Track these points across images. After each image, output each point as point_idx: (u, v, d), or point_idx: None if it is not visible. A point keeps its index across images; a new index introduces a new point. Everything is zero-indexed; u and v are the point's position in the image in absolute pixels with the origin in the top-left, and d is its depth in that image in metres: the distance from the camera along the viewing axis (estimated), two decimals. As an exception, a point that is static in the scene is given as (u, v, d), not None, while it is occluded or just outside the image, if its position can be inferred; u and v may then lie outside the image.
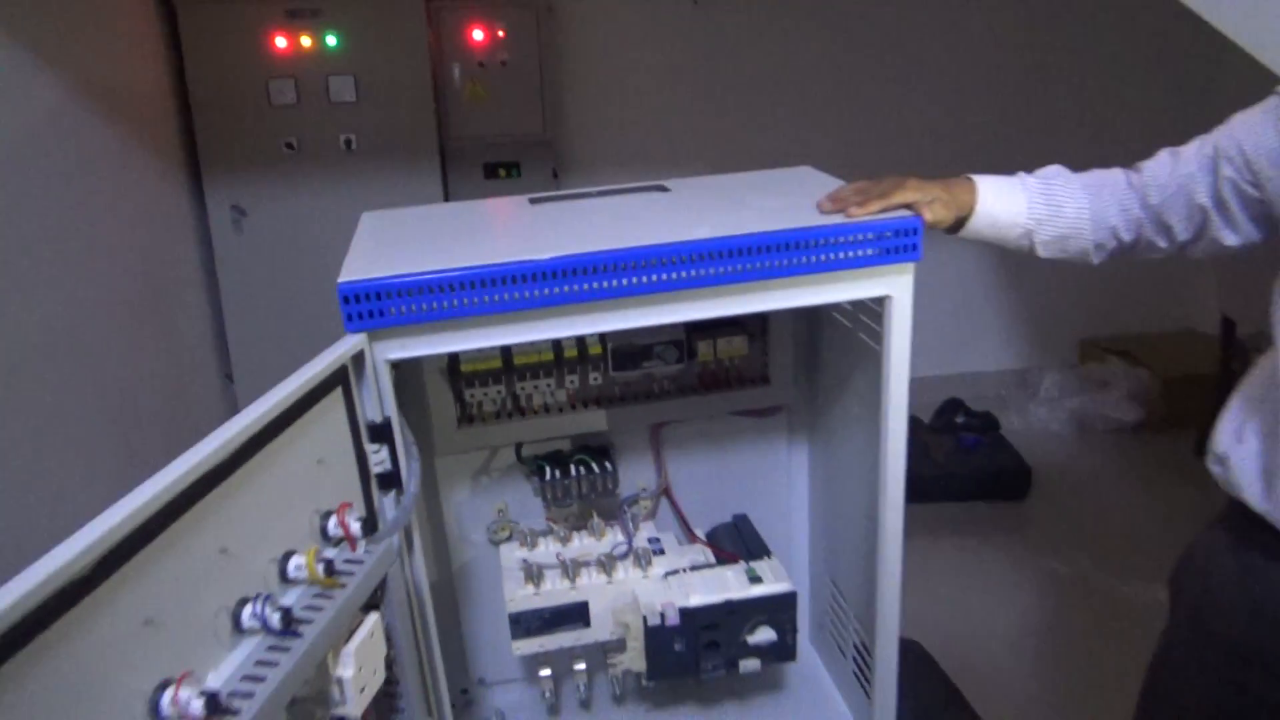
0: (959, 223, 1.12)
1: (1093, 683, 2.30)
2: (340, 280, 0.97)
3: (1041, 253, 1.14)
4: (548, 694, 1.44)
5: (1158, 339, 3.94)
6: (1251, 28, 1.39)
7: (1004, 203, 1.11)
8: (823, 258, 1.03)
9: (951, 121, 3.71)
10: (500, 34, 3.41)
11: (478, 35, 3.40)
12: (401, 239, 1.20)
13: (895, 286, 1.05)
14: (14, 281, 2.05)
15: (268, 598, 0.79)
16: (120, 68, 2.82)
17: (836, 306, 1.25)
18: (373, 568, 0.90)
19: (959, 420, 3.56)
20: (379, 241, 1.17)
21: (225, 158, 3.26)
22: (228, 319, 3.40)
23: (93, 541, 0.62)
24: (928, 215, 1.06)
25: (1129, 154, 1.19)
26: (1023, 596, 2.73)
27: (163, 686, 0.69)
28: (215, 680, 0.73)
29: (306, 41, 3.21)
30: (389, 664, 0.94)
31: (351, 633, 0.87)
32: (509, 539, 1.42)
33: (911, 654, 1.65)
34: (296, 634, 0.79)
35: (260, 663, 0.77)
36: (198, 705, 0.68)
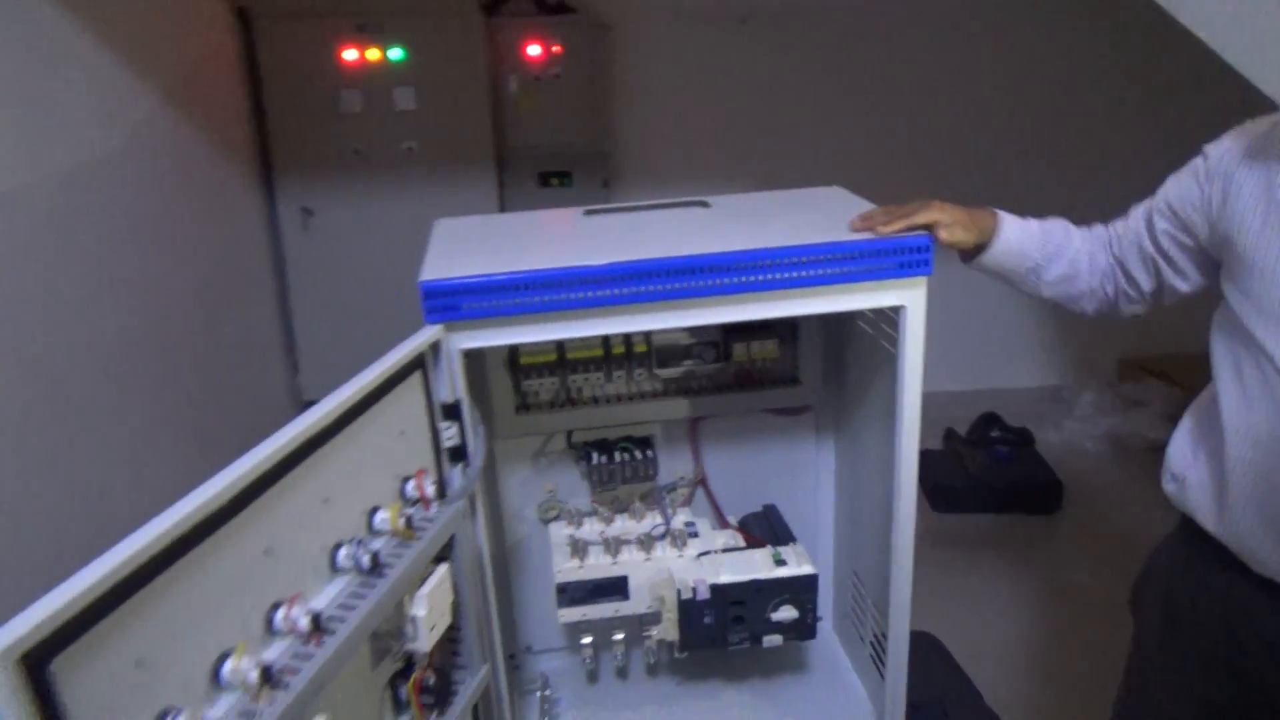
0: (978, 249, 1.23)
1: (1108, 694, 2.38)
2: (421, 279, 1.12)
3: (1046, 292, 1.24)
4: (588, 661, 1.58)
5: (1195, 360, 3.96)
6: (1252, 58, 1.49)
7: (1020, 235, 1.21)
8: (844, 270, 1.16)
9: (983, 149, 3.80)
10: (555, 49, 3.58)
11: (534, 50, 3.57)
12: (472, 244, 1.34)
13: (909, 297, 1.17)
14: (106, 275, 2.24)
15: (359, 542, 0.93)
16: (202, 79, 3.03)
17: (859, 314, 1.37)
18: (443, 525, 1.05)
19: (994, 434, 3.62)
20: (453, 245, 1.32)
21: (295, 162, 3.46)
22: (294, 313, 3.60)
23: (231, 481, 0.76)
24: (944, 235, 1.17)
25: (1148, 179, 1.29)
26: (1046, 606, 2.80)
27: (276, 605, 0.83)
28: (317, 605, 0.88)
29: (373, 54, 3.40)
30: (454, 611, 1.08)
31: (424, 579, 1.02)
32: (557, 518, 1.55)
33: (926, 645, 1.76)
34: (381, 574, 0.94)
35: (352, 595, 0.91)
36: (304, 621, 0.83)
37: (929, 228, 1.17)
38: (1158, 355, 4.05)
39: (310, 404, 0.89)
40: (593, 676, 1.64)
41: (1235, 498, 1.04)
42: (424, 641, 1.01)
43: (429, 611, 1.00)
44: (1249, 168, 1.04)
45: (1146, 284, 1.20)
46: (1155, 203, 1.17)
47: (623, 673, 1.64)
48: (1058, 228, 1.24)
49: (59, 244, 2.07)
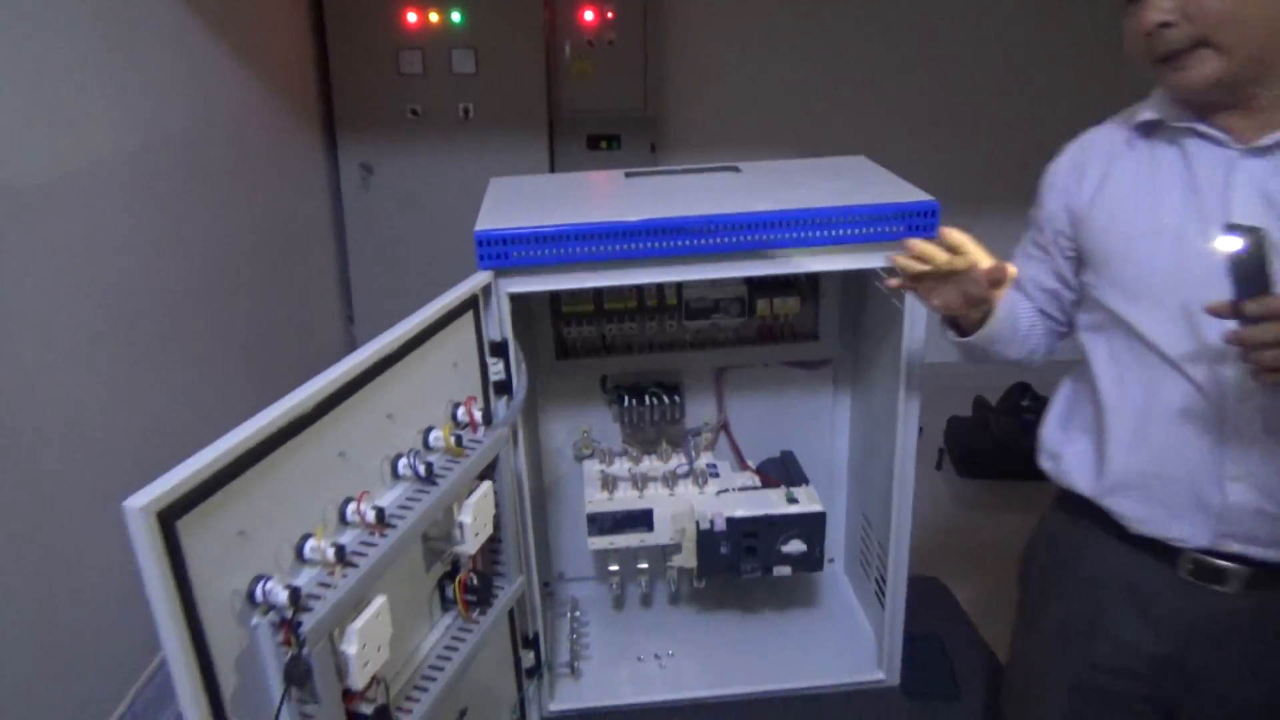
0: (983, 318, 1.18)
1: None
2: (476, 229, 1.25)
3: (1015, 353, 1.24)
4: (615, 587, 1.73)
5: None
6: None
7: (1008, 305, 1.20)
8: (857, 231, 1.27)
9: (1022, 124, 3.82)
10: (609, 15, 3.67)
11: (589, 16, 3.67)
12: (522, 200, 1.48)
13: (916, 258, 1.28)
14: (183, 222, 2.41)
15: (416, 454, 1.08)
16: (274, 40, 3.19)
17: (874, 274, 1.48)
18: (488, 447, 1.19)
19: (1024, 403, 3.69)
20: (505, 201, 1.45)
21: (357, 121, 3.62)
22: (352, 265, 3.78)
23: (315, 390, 0.92)
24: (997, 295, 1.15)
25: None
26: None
27: (347, 500, 0.99)
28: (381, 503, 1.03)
29: (434, 18, 3.52)
30: (496, 524, 1.23)
31: (470, 492, 1.17)
32: (590, 456, 1.70)
33: (933, 588, 1.88)
34: (434, 483, 1.09)
35: (410, 498, 1.06)
36: (371, 515, 0.98)
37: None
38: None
39: (363, 352, 1.03)
40: (619, 603, 1.79)
41: (1114, 466, 1.11)
42: (470, 545, 1.16)
43: (474, 519, 1.15)
44: (1106, 159, 1.13)
45: (1064, 316, 1.25)
46: (1025, 249, 1.25)
47: (646, 600, 1.79)
48: (1014, 302, 1.25)
49: (149, 192, 2.24)
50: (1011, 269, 1.11)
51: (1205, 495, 1.05)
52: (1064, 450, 1.21)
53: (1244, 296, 0.90)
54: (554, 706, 1.55)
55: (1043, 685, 1.26)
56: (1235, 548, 1.05)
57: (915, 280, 1.15)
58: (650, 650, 1.67)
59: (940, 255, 1.09)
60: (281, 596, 0.86)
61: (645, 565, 1.69)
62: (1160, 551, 1.11)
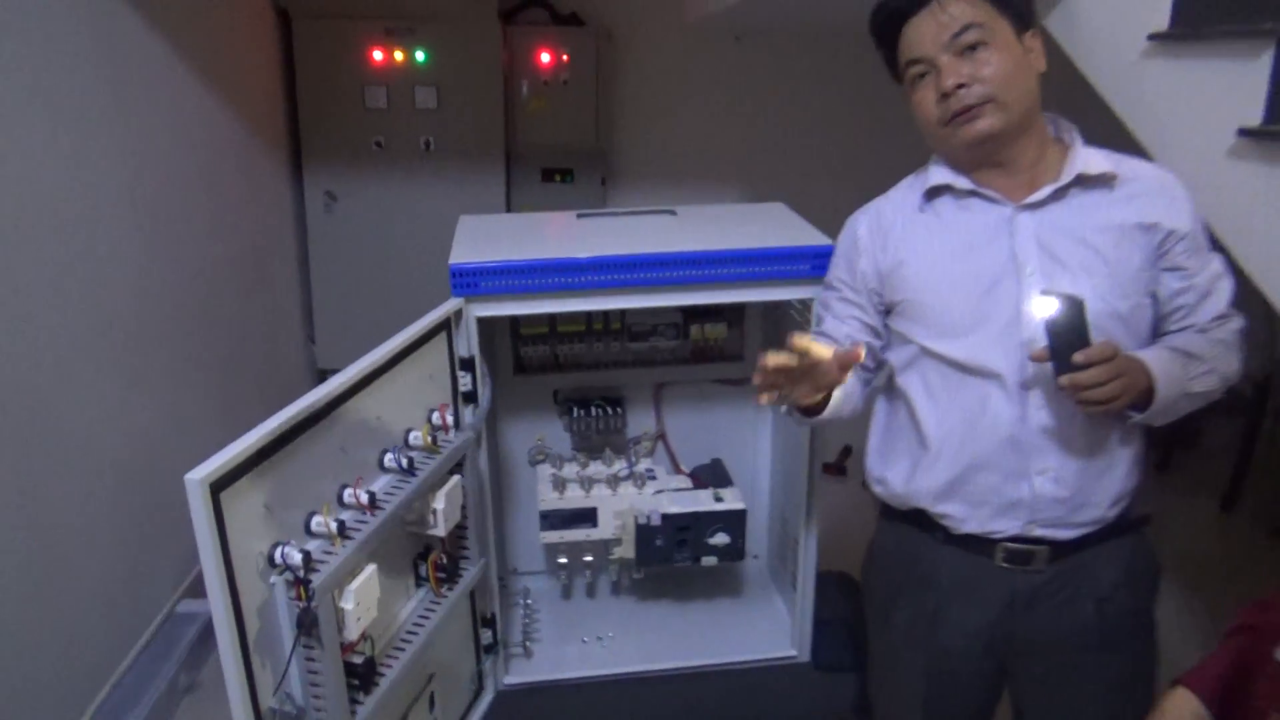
0: (825, 400, 1.33)
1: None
2: (450, 262, 1.48)
3: (847, 415, 1.39)
4: (563, 577, 1.95)
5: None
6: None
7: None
8: (772, 269, 1.52)
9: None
10: (564, 58, 3.93)
11: (545, 58, 3.92)
12: (488, 236, 1.71)
13: (817, 292, 1.53)
14: (153, 249, 2.58)
15: (399, 449, 1.30)
16: (246, 73, 3.38)
17: (789, 304, 1.73)
18: (458, 446, 1.41)
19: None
20: (473, 237, 1.68)
21: (323, 151, 3.81)
22: (314, 288, 3.96)
23: (325, 393, 1.13)
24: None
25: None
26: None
27: (344, 486, 1.20)
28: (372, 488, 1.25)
29: (399, 56, 3.75)
30: (463, 510, 1.45)
31: (443, 483, 1.39)
32: (544, 461, 1.92)
33: (845, 582, 2.13)
34: (414, 474, 1.31)
35: (395, 486, 1.28)
36: (365, 497, 1.20)
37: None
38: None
39: (324, 372, 1.25)
40: (566, 593, 2.01)
41: (939, 478, 1.32)
42: (442, 528, 1.38)
43: (446, 506, 1.37)
44: (900, 224, 1.34)
45: (875, 364, 1.44)
46: (837, 307, 1.41)
47: (591, 591, 2.02)
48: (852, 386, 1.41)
49: (135, 217, 2.43)
50: (860, 351, 1.27)
51: (1016, 491, 1.28)
52: (887, 474, 1.41)
53: (1063, 349, 1.15)
54: (508, 680, 1.76)
55: (901, 676, 1.47)
56: (1039, 532, 1.29)
57: (777, 388, 1.24)
58: (594, 633, 1.89)
59: (793, 361, 1.19)
60: (297, 559, 1.07)
61: (590, 558, 1.91)
62: (980, 546, 1.33)
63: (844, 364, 1.23)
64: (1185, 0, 1.80)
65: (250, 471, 1.02)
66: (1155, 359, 1.21)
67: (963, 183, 1.29)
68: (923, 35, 1.25)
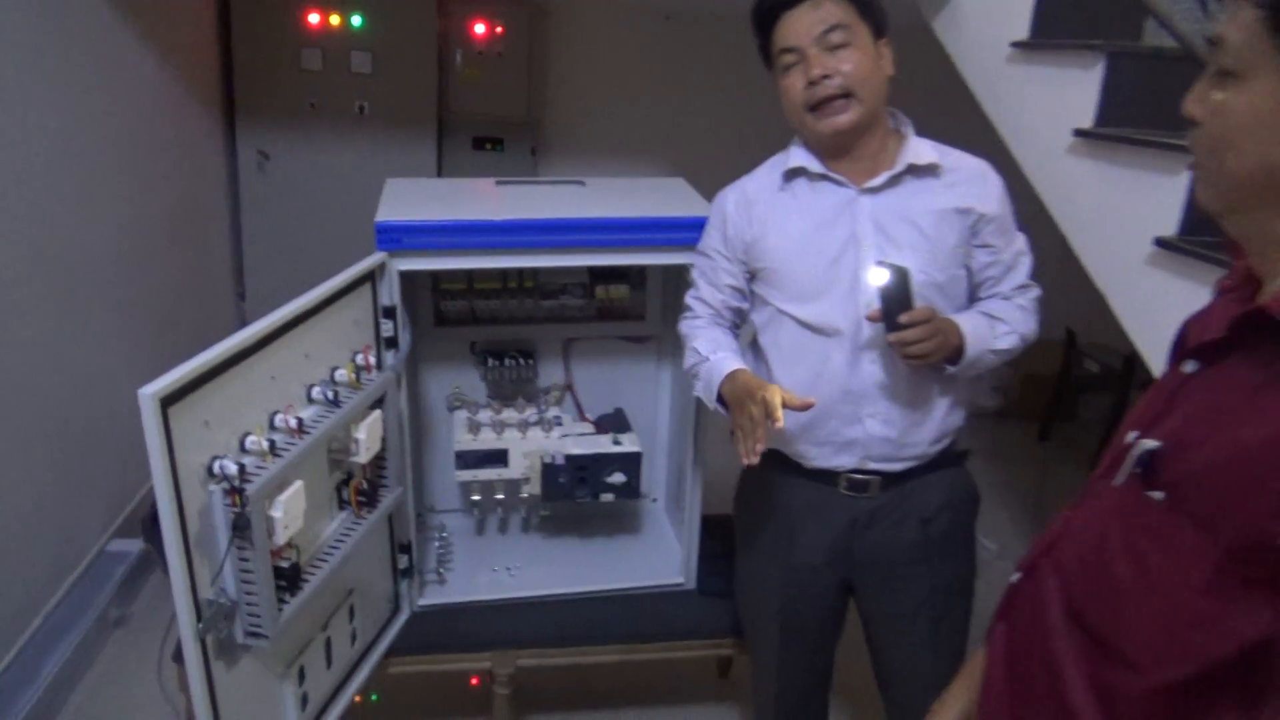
0: None
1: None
2: (376, 219, 1.64)
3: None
4: (476, 514, 2.13)
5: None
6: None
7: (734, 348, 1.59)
8: (666, 235, 1.72)
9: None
10: (499, 30, 4.05)
11: (480, 29, 4.04)
12: (413, 198, 1.87)
13: (704, 258, 1.74)
14: (88, 200, 2.67)
15: (326, 384, 1.47)
16: (183, 33, 3.44)
17: (684, 268, 1.92)
18: (379, 384, 1.59)
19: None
20: (399, 198, 1.84)
21: (257, 110, 3.89)
22: (245, 246, 4.04)
23: (257, 329, 1.30)
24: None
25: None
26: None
27: (275, 412, 1.37)
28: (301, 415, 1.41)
29: (335, 20, 3.84)
30: (383, 442, 1.63)
31: (365, 416, 1.56)
32: (460, 407, 2.10)
33: (732, 525, 2.35)
34: (339, 405, 1.48)
35: (320, 414, 1.45)
36: (294, 422, 1.37)
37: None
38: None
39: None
40: (479, 529, 2.20)
41: (788, 422, 1.44)
42: (363, 455, 1.55)
43: (367, 436, 1.55)
44: (764, 201, 1.54)
45: (740, 320, 1.65)
46: (711, 273, 1.60)
47: (503, 527, 2.21)
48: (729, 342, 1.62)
49: (74, 169, 2.52)
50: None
51: (852, 432, 1.51)
52: None
53: (892, 311, 1.37)
54: (423, 601, 1.95)
55: (761, 589, 1.70)
56: (872, 465, 1.52)
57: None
58: (503, 563, 2.09)
59: (775, 423, 1.35)
60: (232, 469, 1.24)
61: (501, 496, 2.10)
62: (825, 477, 1.56)
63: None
64: (1042, 14, 2.06)
65: (194, 391, 1.19)
66: (966, 321, 1.45)
67: (816, 166, 1.50)
68: (797, 28, 1.44)
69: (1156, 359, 1.68)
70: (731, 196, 1.60)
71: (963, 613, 1.65)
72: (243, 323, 4.27)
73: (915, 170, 1.47)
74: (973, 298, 1.55)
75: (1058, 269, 1.94)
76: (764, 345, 1.58)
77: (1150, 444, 0.82)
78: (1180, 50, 1.75)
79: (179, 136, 3.42)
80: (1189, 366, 0.85)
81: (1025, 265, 1.54)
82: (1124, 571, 0.83)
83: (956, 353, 1.43)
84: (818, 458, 1.55)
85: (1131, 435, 0.87)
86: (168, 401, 1.13)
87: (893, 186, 1.47)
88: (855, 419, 1.50)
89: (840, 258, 1.47)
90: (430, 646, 1.90)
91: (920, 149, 1.48)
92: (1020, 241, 1.54)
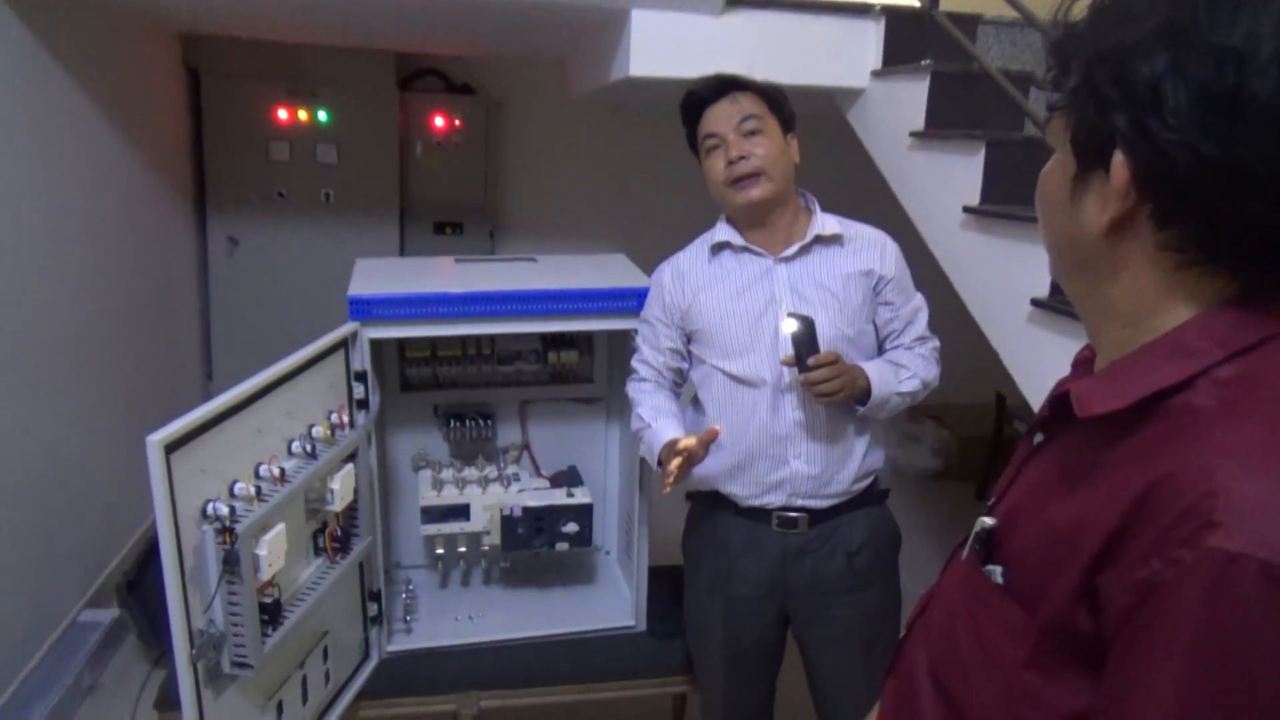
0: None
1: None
2: (349, 293, 1.84)
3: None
4: (440, 567, 2.28)
5: (958, 408, 4.93)
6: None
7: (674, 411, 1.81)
8: (605, 304, 1.94)
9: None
10: (457, 122, 4.34)
11: (439, 121, 4.32)
12: (381, 274, 2.07)
13: (644, 323, 1.95)
14: (67, 283, 2.84)
15: (305, 438, 1.64)
16: (158, 125, 3.66)
17: (627, 334, 2.13)
18: (351, 440, 1.76)
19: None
20: (369, 274, 2.04)
21: (227, 199, 4.10)
22: (214, 327, 4.20)
23: (244, 390, 1.48)
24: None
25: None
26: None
27: (260, 463, 1.54)
28: (283, 465, 1.58)
29: (303, 115, 4.09)
30: (355, 493, 1.79)
31: (339, 469, 1.73)
32: (425, 467, 2.26)
33: (678, 570, 2.52)
34: (316, 458, 1.65)
35: (299, 466, 1.62)
36: (276, 471, 1.54)
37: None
38: (933, 403, 4.99)
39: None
40: (443, 582, 2.35)
41: (724, 464, 1.72)
42: (337, 504, 1.71)
43: (341, 486, 1.71)
44: (694, 272, 1.77)
45: (682, 380, 1.87)
46: (653, 338, 1.82)
47: (465, 580, 2.36)
48: (670, 405, 1.84)
49: (51, 254, 2.69)
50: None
51: (779, 472, 1.71)
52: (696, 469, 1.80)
53: (802, 356, 1.58)
54: (391, 648, 2.08)
55: (705, 619, 1.87)
56: (799, 502, 1.72)
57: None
58: (466, 612, 2.23)
59: (677, 460, 1.59)
60: (224, 510, 1.41)
61: (464, 549, 2.25)
62: (758, 515, 1.75)
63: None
64: (934, 107, 2.35)
65: (192, 440, 1.36)
66: (872, 366, 1.67)
67: (738, 240, 1.73)
68: (719, 118, 1.70)
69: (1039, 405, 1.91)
70: (668, 270, 1.82)
71: (890, 638, 1.82)
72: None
73: (822, 240, 1.71)
74: (880, 349, 1.77)
75: (984, 337, 2.13)
76: (701, 398, 1.80)
77: (988, 521, 0.84)
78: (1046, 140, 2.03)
79: (153, 223, 3.61)
80: (1038, 438, 0.86)
81: (923, 319, 1.78)
82: (968, 644, 0.84)
83: (865, 394, 1.64)
84: (750, 497, 1.75)
85: (991, 499, 0.90)
86: (170, 448, 1.31)
87: (804, 255, 1.71)
88: (782, 460, 1.71)
89: (761, 318, 1.69)
90: (399, 690, 2.03)
91: (826, 222, 1.72)
92: (918, 299, 1.78)
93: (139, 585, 2.67)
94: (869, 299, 1.72)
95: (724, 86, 1.71)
